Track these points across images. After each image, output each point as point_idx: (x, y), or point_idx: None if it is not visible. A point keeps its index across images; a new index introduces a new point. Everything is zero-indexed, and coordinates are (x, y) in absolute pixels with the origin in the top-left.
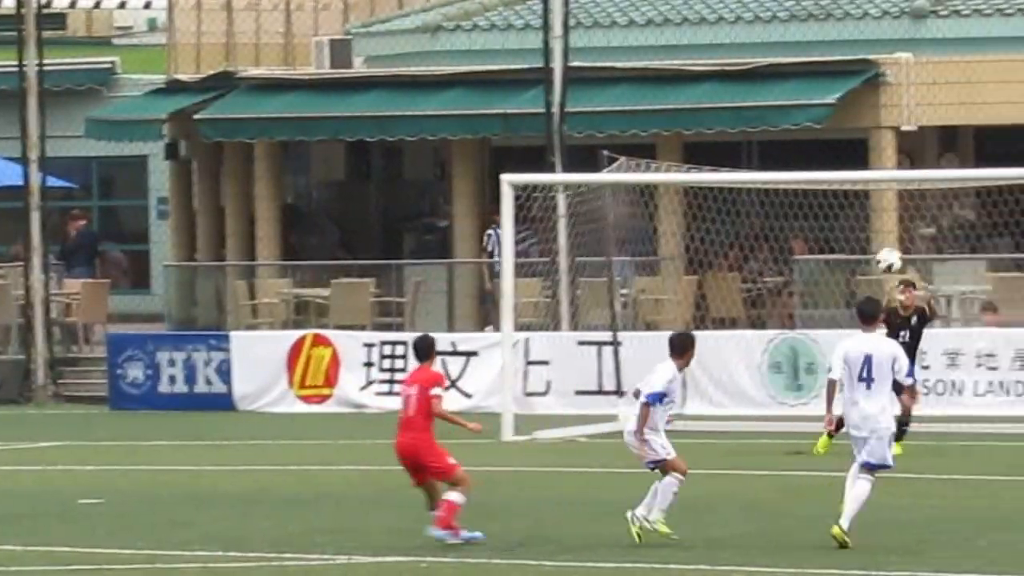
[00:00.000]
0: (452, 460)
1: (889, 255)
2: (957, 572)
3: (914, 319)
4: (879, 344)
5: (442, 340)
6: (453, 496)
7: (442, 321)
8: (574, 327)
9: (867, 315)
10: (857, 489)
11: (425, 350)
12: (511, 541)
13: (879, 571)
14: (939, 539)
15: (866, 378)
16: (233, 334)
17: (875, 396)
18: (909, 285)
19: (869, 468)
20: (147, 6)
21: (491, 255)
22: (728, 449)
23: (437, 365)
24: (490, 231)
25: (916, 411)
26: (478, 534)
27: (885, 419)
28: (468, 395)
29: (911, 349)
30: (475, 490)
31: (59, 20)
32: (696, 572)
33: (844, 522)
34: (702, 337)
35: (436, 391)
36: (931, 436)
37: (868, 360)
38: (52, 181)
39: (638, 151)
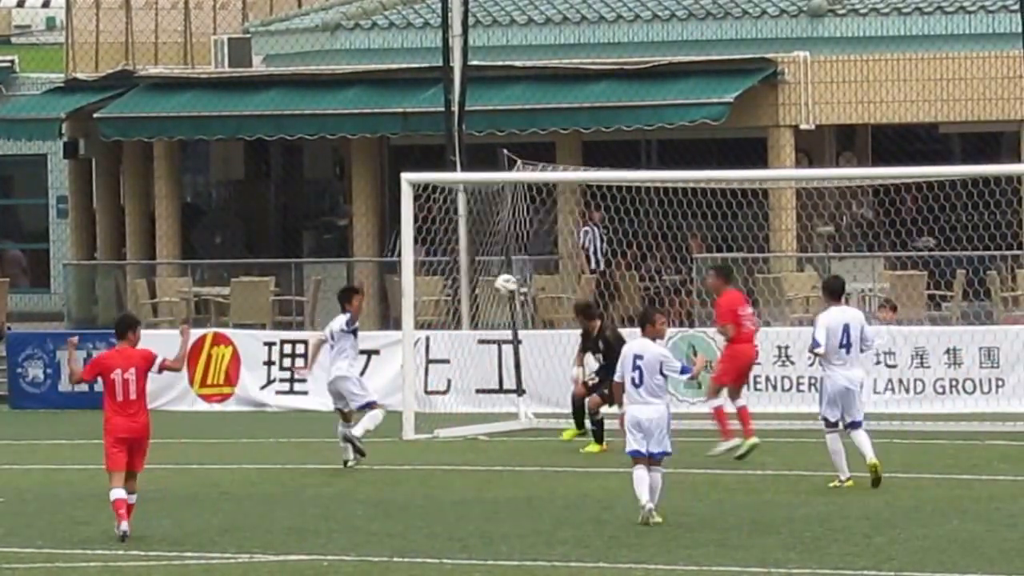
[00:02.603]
0: None
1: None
2: (854, 569)
3: None
4: (647, 347)
5: None
6: None
7: None
8: (474, 326)
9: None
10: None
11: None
12: (411, 539)
13: (778, 568)
14: (836, 536)
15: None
16: None
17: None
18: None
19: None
20: (45, 5)
21: (587, 251)
22: (620, 446)
23: None
24: (586, 228)
25: (814, 409)
26: None
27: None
28: None
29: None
30: (375, 488)
31: None
32: (595, 569)
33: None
34: None
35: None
36: None
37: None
38: None
39: (537, 150)
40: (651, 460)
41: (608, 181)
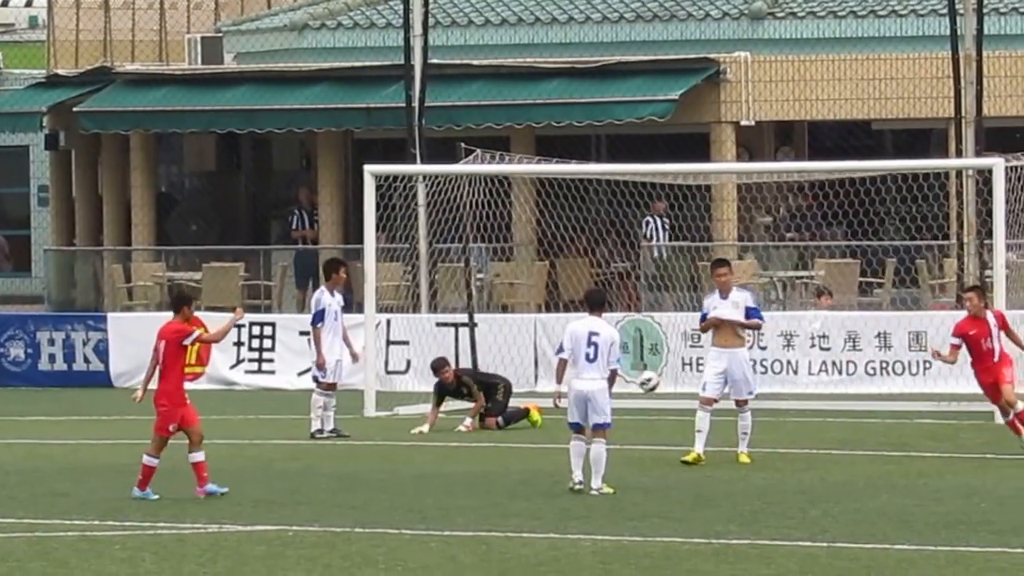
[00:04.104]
0: None
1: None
2: (791, 540)
3: None
4: (603, 326)
5: (307, 322)
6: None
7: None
8: (433, 309)
9: (595, 302)
10: None
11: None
12: (373, 510)
13: (718, 540)
14: (774, 509)
15: (592, 357)
16: (110, 315)
17: (597, 370)
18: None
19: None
20: (28, 4)
21: (650, 242)
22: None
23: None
24: (648, 219)
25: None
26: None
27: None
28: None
29: None
30: (338, 462)
31: None
32: (546, 540)
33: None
34: (554, 319)
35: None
36: (767, 412)
37: (592, 339)
38: None
39: (493, 143)
40: (593, 431)
41: (560, 174)
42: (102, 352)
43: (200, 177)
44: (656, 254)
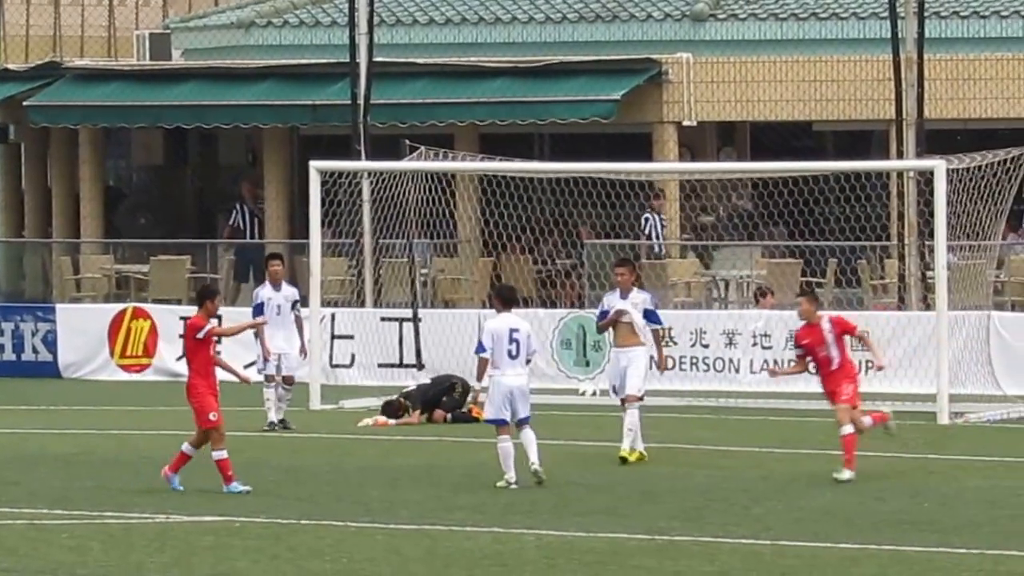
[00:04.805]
0: None
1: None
2: (734, 537)
3: None
4: (520, 322)
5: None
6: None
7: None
8: (377, 304)
9: (508, 299)
10: None
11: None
12: (318, 503)
13: (662, 536)
14: (716, 506)
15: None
16: (58, 306)
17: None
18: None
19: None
20: None
21: (649, 238)
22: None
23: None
24: (647, 215)
25: (695, 387)
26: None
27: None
28: None
29: None
30: (284, 455)
31: None
32: (489, 534)
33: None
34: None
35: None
36: (709, 410)
37: (512, 334)
38: None
39: (437, 141)
40: (518, 425)
41: (504, 171)
42: (50, 343)
43: (148, 171)
44: (656, 250)
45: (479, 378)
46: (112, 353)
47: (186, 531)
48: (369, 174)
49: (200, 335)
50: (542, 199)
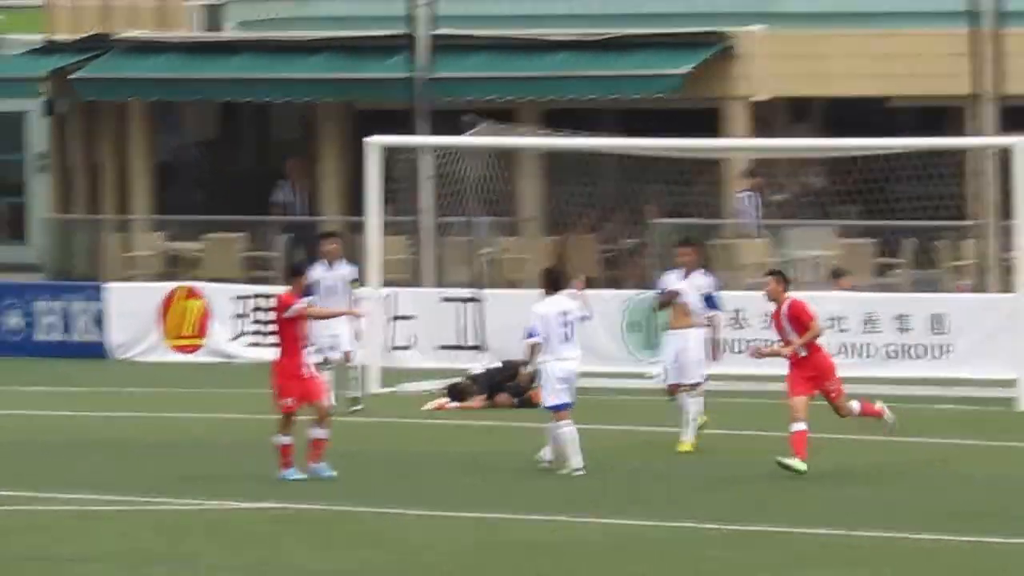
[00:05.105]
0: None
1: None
2: (804, 526)
3: None
4: (569, 303)
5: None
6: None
7: None
8: (438, 284)
9: (556, 282)
10: None
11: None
12: (376, 490)
13: (728, 525)
14: (784, 496)
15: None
16: (108, 285)
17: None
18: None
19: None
20: None
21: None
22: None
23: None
24: (747, 193)
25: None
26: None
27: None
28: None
29: None
30: (342, 440)
31: None
32: (552, 522)
33: None
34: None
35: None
36: (779, 395)
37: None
38: None
39: (497, 116)
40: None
41: (568, 148)
42: (99, 323)
43: (200, 147)
44: (755, 229)
45: (531, 364)
46: (163, 333)
47: (241, 518)
48: (433, 150)
49: (288, 313)
50: (607, 176)
